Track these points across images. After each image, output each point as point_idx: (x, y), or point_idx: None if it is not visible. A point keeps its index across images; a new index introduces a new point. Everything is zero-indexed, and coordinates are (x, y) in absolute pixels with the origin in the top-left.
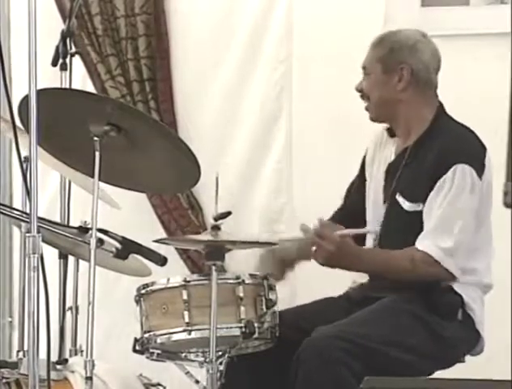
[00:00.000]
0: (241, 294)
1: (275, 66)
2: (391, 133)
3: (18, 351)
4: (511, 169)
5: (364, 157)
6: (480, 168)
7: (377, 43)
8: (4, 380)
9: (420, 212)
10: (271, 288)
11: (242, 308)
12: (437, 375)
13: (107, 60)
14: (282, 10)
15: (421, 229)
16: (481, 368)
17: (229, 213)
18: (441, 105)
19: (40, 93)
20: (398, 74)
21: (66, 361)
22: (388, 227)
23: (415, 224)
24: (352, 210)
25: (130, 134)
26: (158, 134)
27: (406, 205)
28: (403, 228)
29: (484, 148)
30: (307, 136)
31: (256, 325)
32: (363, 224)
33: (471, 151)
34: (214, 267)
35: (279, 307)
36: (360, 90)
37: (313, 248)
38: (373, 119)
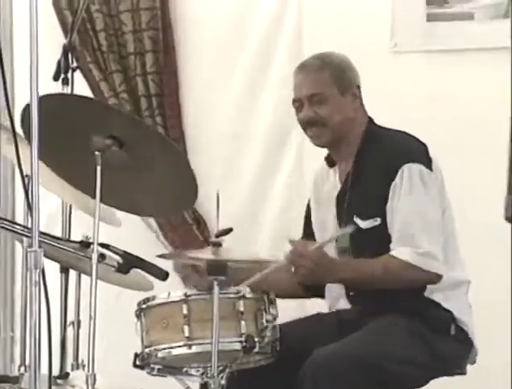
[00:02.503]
0: (242, 309)
1: (285, 80)
2: (330, 162)
3: (19, 365)
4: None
5: (308, 206)
6: (426, 160)
7: (318, 66)
8: None
9: (378, 227)
10: (272, 302)
11: (243, 322)
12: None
13: (111, 77)
14: (291, 25)
15: (382, 242)
16: (481, 382)
17: (230, 230)
18: (370, 119)
19: (43, 102)
20: (352, 93)
21: (68, 375)
22: (353, 252)
23: (375, 240)
24: None
25: (131, 148)
26: (159, 147)
27: (363, 224)
28: (365, 247)
29: (424, 145)
30: (318, 150)
31: (256, 339)
32: None
33: (413, 148)
34: (216, 283)
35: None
36: (311, 118)
37: (293, 268)
38: (324, 145)
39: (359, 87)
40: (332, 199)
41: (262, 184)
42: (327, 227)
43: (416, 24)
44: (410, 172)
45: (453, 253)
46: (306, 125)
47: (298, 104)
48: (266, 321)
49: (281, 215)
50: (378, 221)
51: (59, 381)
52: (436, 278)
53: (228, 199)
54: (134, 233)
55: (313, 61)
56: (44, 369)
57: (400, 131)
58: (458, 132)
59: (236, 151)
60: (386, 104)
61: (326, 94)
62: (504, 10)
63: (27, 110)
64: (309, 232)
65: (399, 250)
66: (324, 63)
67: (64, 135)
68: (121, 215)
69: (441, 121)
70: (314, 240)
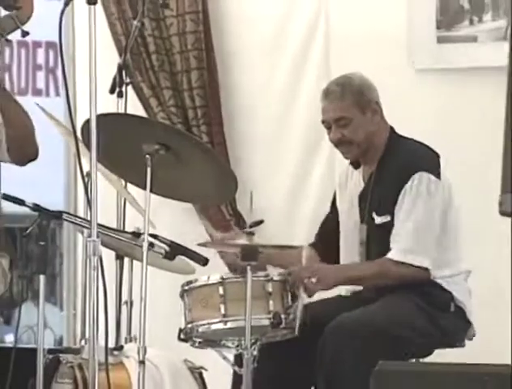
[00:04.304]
0: (270, 289)
1: (317, 93)
2: (356, 165)
3: (80, 339)
4: (506, 182)
5: (334, 198)
6: (435, 170)
7: (340, 94)
8: (69, 364)
9: (388, 223)
10: None
11: (271, 302)
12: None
13: (161, 93)
14: (320, 46)
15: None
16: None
17: (262, 221)
18: (391, 128)
19: (100, 117)
20: (371, 109)
21: (122, 347)
22: (369, 243)
23: (385, 234)
24: (325, 241)
25: (177, 152)
26: (200, 152)
27: (377, 220)
28: (378, 240)
29: (436, 154)
30: None
31: (283, 316)
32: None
33: (426, 157)
34: (249, 267)
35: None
36: (339, 139)
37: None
38: (353, 159)
39: (377, 102)
40: (355, 196)
41: (298, 184)
42: (350, 220)
43: (428, 46)
44: (420, 180)
45: (455, 250)
46: (336, 144)
47: (327, 125)
48: (292, 300)
49: (315, 211)
50: (388, 218)
51: (115, 352)
52: (424, 272)
53: (268, 197)
54: (178, 225)
55: (335, 89)
56: (102, 342)
57: (417, 141)
58: (463, 142)
59: (275, 154)
60: (401, 116)
61: (349, 116)
62: (504, 33)
63: (86, 125)
64: (332, 218)
65: (391, 253)
66: (344, 90)
67: (120, 144)
68: (169, 211)
69: (449, 133)
70: (338, 224)
